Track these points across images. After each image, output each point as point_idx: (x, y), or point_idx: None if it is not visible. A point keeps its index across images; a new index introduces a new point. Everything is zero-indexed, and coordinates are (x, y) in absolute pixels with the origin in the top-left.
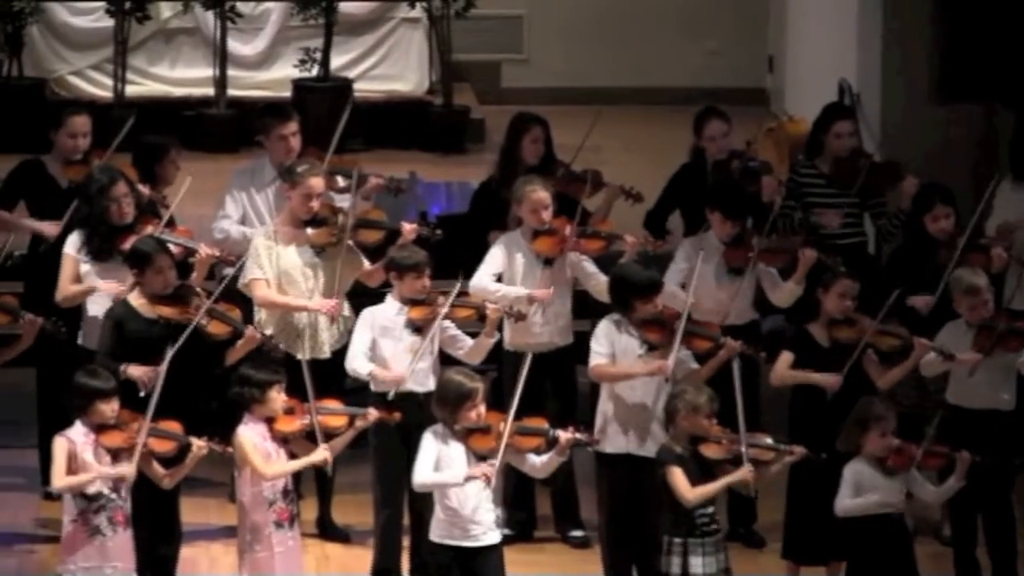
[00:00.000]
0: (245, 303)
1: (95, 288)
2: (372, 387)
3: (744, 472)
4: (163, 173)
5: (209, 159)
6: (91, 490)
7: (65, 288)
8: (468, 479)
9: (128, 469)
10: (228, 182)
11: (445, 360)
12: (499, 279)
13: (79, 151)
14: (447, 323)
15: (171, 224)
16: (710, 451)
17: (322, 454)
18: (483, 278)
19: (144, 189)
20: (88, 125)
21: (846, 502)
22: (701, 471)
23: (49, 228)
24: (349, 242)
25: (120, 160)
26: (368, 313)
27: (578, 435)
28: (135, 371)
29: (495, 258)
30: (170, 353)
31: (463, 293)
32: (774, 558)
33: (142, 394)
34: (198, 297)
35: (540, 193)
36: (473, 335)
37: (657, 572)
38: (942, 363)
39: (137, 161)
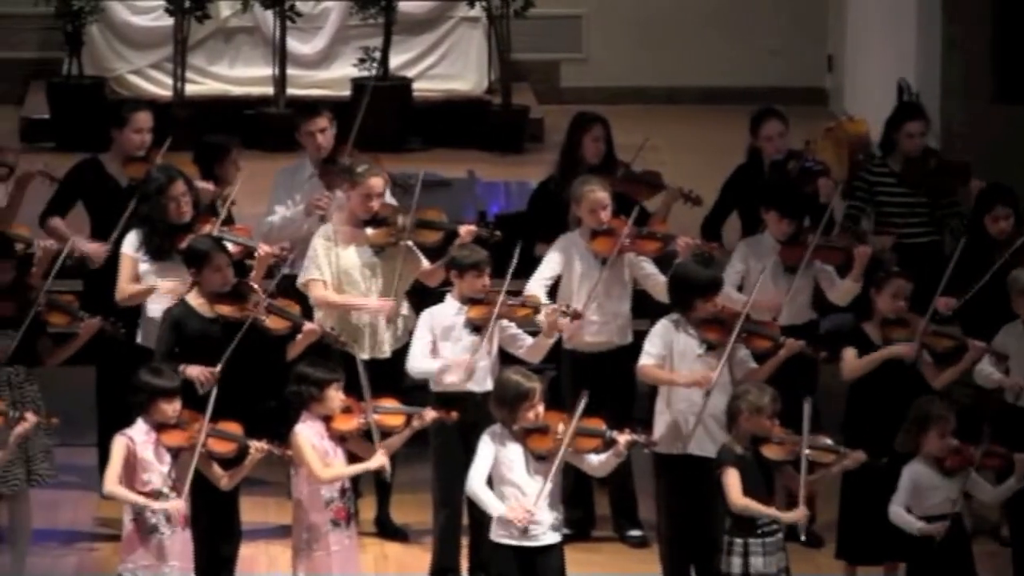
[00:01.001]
0: (304, 300)
1: (155, 288)
2: (432, 386)
3: (798, 515)
4: (223, 173)
5: (268, 158)
6: (148, 488)
7: (124, 288)
8: (504, 519)
9: (178, 504)
10: (272, 182)
11: (505, 359)
12: (556, 282)
13: (143, 147)
14: (506, 322)
15: (230, 222)
16: (771, 452)
17: (380, 460)
18: (535, 285)
19: (207, 186)
20: (151, 121)
21: (899, 510)
22: (762, 472)
23: (96, 251)
24: (408, 242)
25: (179, 158)
26: (428, 314)
27: (635, 436)
28: (192, 371)
29: (551, 262)
30: (227, 354)
31: (517, 292)
32: (832, 558)
33: (201, 392)
34: (256, 294)
35: (598, 193)
36: (533, 334)
37: (716, 572)
38: (995, 379)
39: (198, 160)
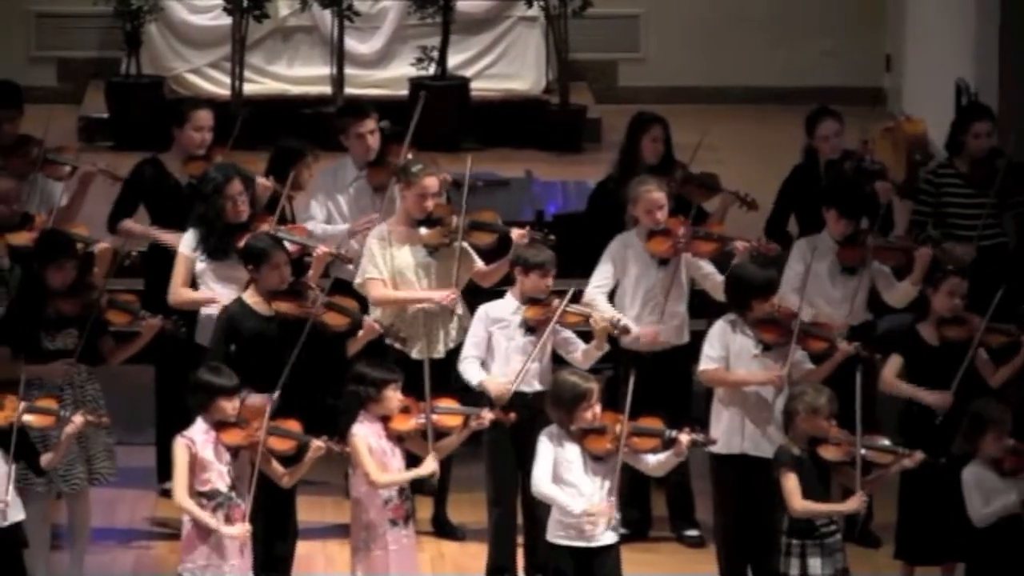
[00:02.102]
0: (361, 300)
1: (212, 299)
2: None
3: (857, 503)
4: (297, 177)
5: (326, 158)
6: (207, 487)
7: (178, 292)
8: (584, 515)
9: (241, 530)
10: (313, 183)
11: (557, 361)
12: (615, 288)
13: (203, 145)
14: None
15: (286, 221)
16: (828, 453)
17: (431, 466)
18: (592, 292)
19: (265, 182)
20: (211, 119)
21: (984, 511)
22: (819, 472)
23: (172, 238)
24: (463, 243)
25: (239, 157)
26: (483, 309)
27: (695, 436)
28: (255, 400)
29: (604, 271)
30: (283, 376)
31: (578, 297)
32: (890, 558)
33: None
34: (313, 291)
35: (654, 193)
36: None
37: (773, 573)
38: None
39: (273, 162)
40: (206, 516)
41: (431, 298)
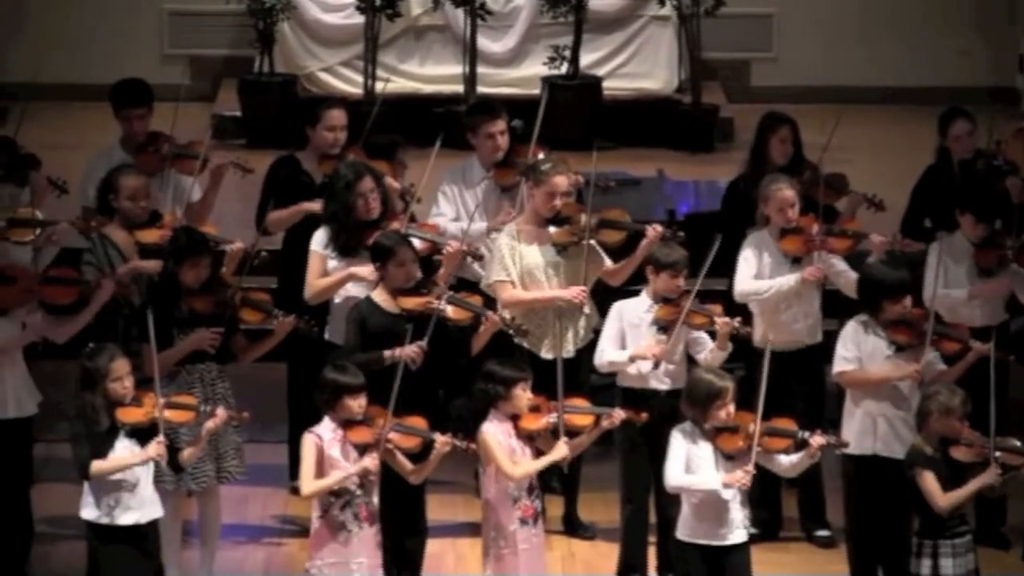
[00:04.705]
0: (488, 298)
1: (349, 277)
2: (618, 381)
3: (992, 475)
4: (391, 172)
5: (457, 156)
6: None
7: (313, 284)
8: (725, 486)
9: (371, 462)
10: (439, 180)
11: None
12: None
13: (337, 145)
14: None
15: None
16: (960, 453)
17: (562, 451)
18: (747, 281)
19: (395, 184)
20: (344, 118)
21: None
22: (951, 473)
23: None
24: (591, 241)
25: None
26: (618, 307)
27: (828, 438)
28: (399, 352)
29: (750, 260)
30: (428, 333)
31: (708, 295)
32: (1020, 559)
33: (413, 368)
34: (439, 287)
35: (786, 192)
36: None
37: (905, 573)
38: None
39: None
40: (336, 476)
41: (560, 296)
